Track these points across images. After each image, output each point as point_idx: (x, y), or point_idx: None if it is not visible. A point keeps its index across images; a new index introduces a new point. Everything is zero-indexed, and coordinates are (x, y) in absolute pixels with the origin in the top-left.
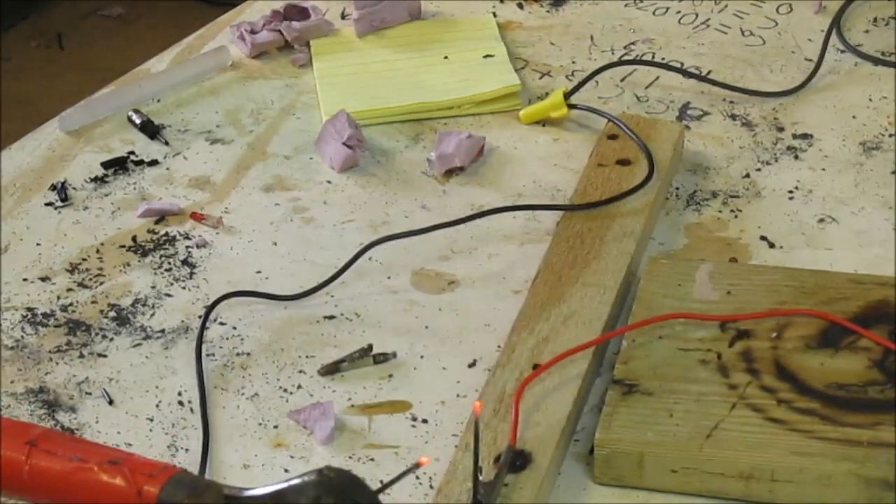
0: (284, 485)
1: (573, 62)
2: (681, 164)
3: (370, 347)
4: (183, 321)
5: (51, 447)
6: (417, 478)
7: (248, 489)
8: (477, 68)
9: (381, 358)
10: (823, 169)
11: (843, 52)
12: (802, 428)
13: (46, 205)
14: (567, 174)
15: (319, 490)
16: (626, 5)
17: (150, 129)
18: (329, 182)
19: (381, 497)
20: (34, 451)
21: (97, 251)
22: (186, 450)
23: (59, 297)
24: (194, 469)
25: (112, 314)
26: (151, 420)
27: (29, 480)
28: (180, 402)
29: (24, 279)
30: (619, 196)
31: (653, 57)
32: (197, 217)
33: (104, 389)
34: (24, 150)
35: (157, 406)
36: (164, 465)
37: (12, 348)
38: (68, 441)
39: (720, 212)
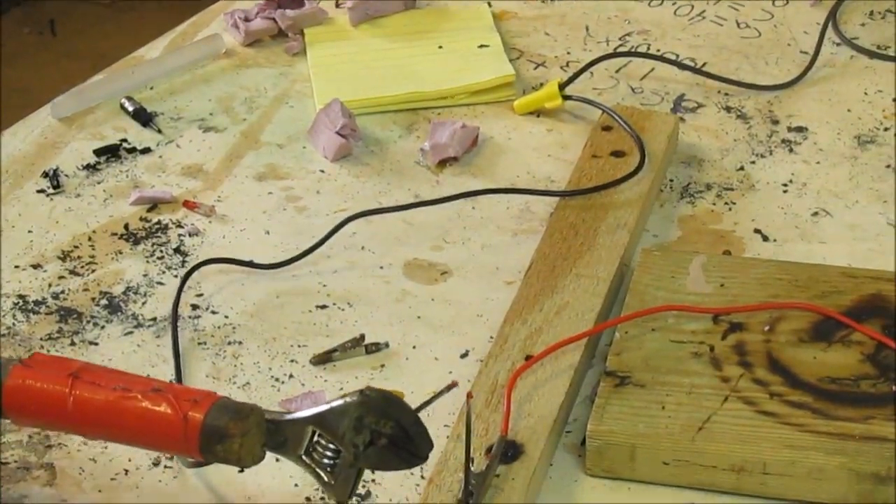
0: (325, 407)
1: (568, 53)
2: (675, 157)
3: (362, 337)
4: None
5: (93, 378)
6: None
7: (289, 413)
8: (471, 58)
9: (374, 348)
10: (818, 162)
11: (838, 45)
12: (794, 421)
13: (38, 192)
14: (561, 165)
15: (361, 410)
16: None
17: (143, 117)
18: (322, 171)
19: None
20: (77, 383)
21: (89, 239)
22: None
23: (50, 285)
24: None
25: (104, 302)
26: None
27: (74, 412)
28: None
29: (16, 266)
30: (610, 183)
31: (648, 48)
32: (189, 205)
33: None
34: (16, 136)
35: None
36: (206, 392)
37: (3, 335)
38: (109, 373)
39: (714, 204)
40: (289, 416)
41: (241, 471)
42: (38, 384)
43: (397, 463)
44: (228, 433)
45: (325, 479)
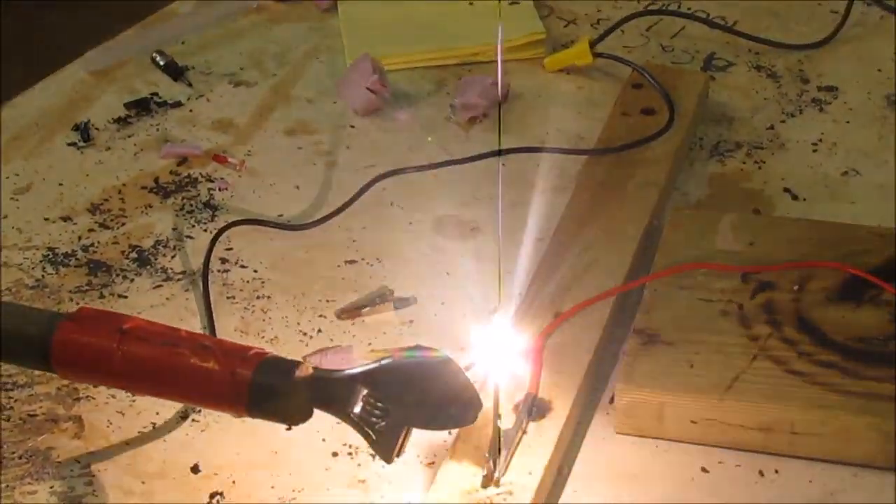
0: (374, 365)
1: (599, 11)
2: (705, 115)
3: (391, 292)
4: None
5: (141, 334)
6: None
7: (338, 371)
8: (502, 15)
9: (402, 303)
10: (848, 122)
11: (869, 5)
12: (823, 381)
13: (69, 145)
14: (591, 122)
15: (410, 369)
16: None
17: (174, 71)
18: (352, 126)
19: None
20: (125, 339)
21: (119, 192)
22: None
23: (80, 238)
24: None
25: (133, 255)
26: None
27: (121, 368)
28: None
29: (46, 219)
30: (640, 141)
31: (679, 6)
32: (219, 159)
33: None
34: (47, 90)
35: None
36: (255, 348)
37: (33, 287)
38: (157, 328)
39: (744, 163)
40: (337, 374)
41: (289, 429)
42: (86, 339)
43: (445, 422)
44: (276, 390)
45: (373, 437)
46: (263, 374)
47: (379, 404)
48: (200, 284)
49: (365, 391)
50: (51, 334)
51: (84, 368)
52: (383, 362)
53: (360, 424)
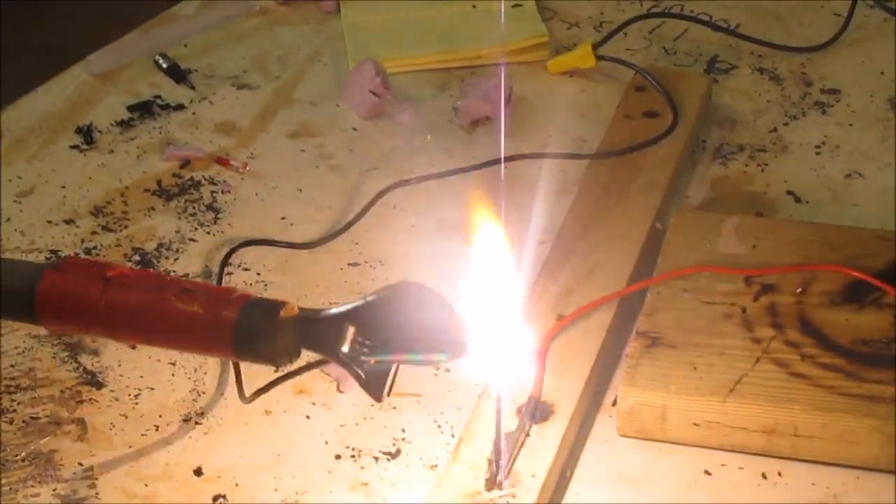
0: (360, 302)
1: (601, 13)
2: (708, 118)
3: None
4: (206, 266)
5: (126, 281)
6: (440, 427)
7: (324, 309)
8: (505, 17)
9: None
10: (851, 124)
11: (872, 7)
12: (826, 383)
13: (72, 147)
14: (594, 125)
15: (396, 302)
16: None
17: (177, 74)
18: (355, 129)
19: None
20: (109, 287)
21: (122, 194)
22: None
23: (83, 240)
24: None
25: (136, 258)
26: (174, 364)
27: (106, 315)
28: None
29: (49, 221)
30: (643, 144)
31: (682, 9)
32: (222, 162)
33: None
34: (50, 92)
35: (180, 351)
36: (240, 291)
37: None
38: (142, 275)
39: (747, 165)
40: (323, 313)
41: (277, 370)
42: (71, 288)
43: (434, 355)
44: (261, 331)
45: (362, 376)
46: (248, 315)
47: (367, 342)
48: None
49: (352, 329)
50: (35, 285)
51: (69, 318)
52: (369, 298)
53: (349, 364)
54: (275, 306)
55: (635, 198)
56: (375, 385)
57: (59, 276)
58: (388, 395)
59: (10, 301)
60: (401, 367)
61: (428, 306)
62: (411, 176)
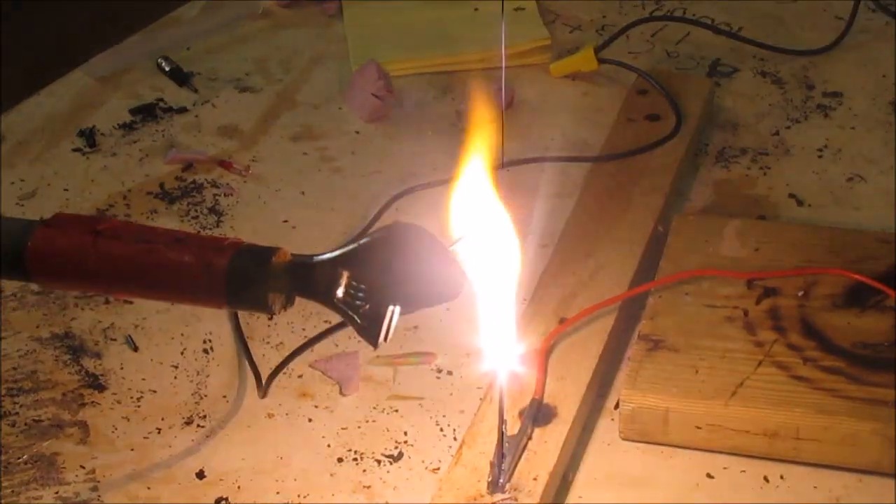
0: (353, 245)
1: (604, 17)
2: (710, 121)
3: None
4: None
5: (115, 233)
6: (442, 430)
7: (316, 255)
8: (507, 21)
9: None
10: (853, 127)
11: (874, 11)
12: (828, 386)
13: (74, 150)
14: (596, 128)
15: (389, 244)
16: None
17: (180, 77)
18: (357, 132)
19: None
20: (99, 240)
21: (124, 197)
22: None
23: None
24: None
25: None
26: (176, 367)
27: (97, 268)
28: (205, 350)
29: None
30: (645, 147)
31: (684, 13)
32: (225, 165)
33: (129, 336)
34: (53, 95)
35: (182, 353)
36: (232, 239)
37: (38, 293)
38: (132, 227)
39: (749, 169)
40: (316, 258)
41: (271, 318)
42: (61, 243)
43: (430, 299)
44: (253, 278)
45: (358, 321)
46: (239, 262)
47: (362, 286)
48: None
49: (346, 274)
50: (26, 241)
51: (60, 273)
52: (362, 241)
53: (343, 309)
54: (267, 252)
55: (637, 201)
56: (371, 330)
57: (49, 231)
58: (386, 340)
59: (1, 258)
60: (398, 315)
61: (422, 247)
62: (418, 181)
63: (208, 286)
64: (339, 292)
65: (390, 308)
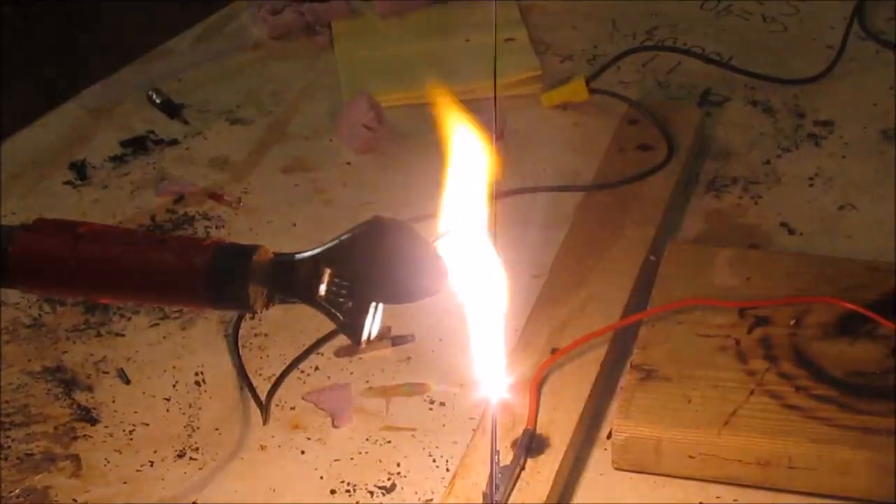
0: (335, 242)
1: (595, 47)
2: (701, 150)
3: (388, 329)
4: None
5: (96, 236)
6: (434, 461)
7: (298, 252)
8: (498, 52)
9: (400, 340)
10: (844, 156)
11: (864, 39)
12: (820, 415)
13: (65, 183)
14: (587, 158)
15: (370, 239)
16: None
17: (171, 109)
18: (349, 164)
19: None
20: (81, 244)
21: None
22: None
23: None
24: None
25: None
26: (168, 400)
27: (79, 271)
28: (197, 383)
29: None
30: (637, 177)
31: (674, 42)
32: (216, 197)
33: (121, 369)
34: (44, 128)
35: (174, 386)
36: (213, 239)
37: (30, 326)
38: (113, 229)
39: (740, 198)
40: (298, 256)
41: (253, 317)
42: (43, 247)
43: (413, 294)
44: (236, 276)
45: (341, 319)
46: (221, 261)
47: (345, 283)
48: (197, 323)
49: (328, 271)
50: (7, 246)
51: (42, 277)
52: (343, 237)
53: (326, 307)
54: (248, 250)
55: (629, 231)
56: (354, 328)
57: (31, 235)
58: (369, 339)
59: None
60: (381, 310)
61: (403, 241)
62: (410, 212)
63: (191, 285)
64: (322, 290)
65: (373, 305)
